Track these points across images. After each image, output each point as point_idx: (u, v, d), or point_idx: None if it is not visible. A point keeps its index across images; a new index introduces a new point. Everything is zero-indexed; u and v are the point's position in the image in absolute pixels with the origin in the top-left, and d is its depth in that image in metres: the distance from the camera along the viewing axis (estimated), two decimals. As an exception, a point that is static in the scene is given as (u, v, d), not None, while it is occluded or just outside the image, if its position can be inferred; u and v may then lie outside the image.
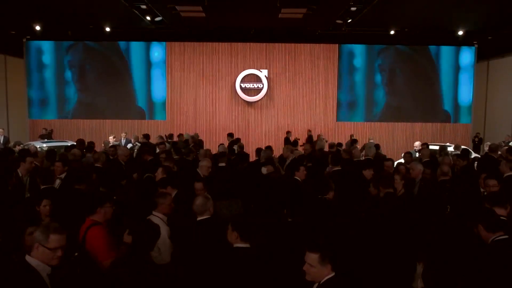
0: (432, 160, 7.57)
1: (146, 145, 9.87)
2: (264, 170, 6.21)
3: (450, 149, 10.82)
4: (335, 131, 15.34)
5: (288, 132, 13.43)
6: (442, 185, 5.61)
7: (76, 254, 3.21)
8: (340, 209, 4.66)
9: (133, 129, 14.69)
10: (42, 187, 5.01)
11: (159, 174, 5.40)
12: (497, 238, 3.14)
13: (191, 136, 11.06)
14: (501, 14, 11.58)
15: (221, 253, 3.20)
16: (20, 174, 5.97)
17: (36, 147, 9.93)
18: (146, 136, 10.90)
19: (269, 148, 8.43)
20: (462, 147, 10.50)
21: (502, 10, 11.18)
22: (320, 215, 4.37)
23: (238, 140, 10.91)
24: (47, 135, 13.79)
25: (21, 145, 10.07)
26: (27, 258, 2.69)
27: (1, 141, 11.81)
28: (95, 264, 3.41)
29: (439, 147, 9.91)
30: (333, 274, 2.66)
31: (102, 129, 15.31)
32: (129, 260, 3.11)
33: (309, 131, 13.80)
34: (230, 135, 11.70)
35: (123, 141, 12.01)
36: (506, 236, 3.16)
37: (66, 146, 9.60)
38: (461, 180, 6.04)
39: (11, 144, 10.40)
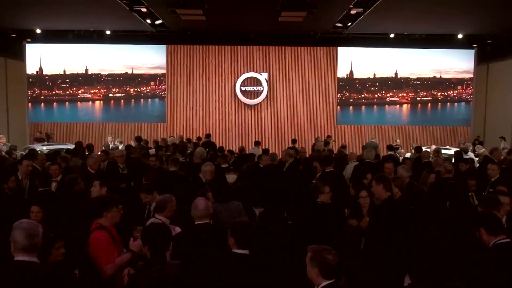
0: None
1: (145, 148, 9.86)
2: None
3: (451, 151, 10.81)
4: (335, 134, 15.31)
5: (328, 137, 13.03)
6: (445, 182, 5.59)
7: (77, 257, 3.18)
8: (329, 214, 4.53)
9: (133, 132, 14.67)
10: (39, 189, 5.02)
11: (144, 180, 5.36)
12: (498, 242, 3.12)
13: (162, 139, 11.02)
14: (501, 17, 11.59)
15: (217, 259, 3.15)
16: (20, 177, 5.95)
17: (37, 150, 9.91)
18: (138, 139, 10.84)
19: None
20: (456, 149, 10.47)
21: (502, 13, 11.18)
22: (309, 220, 4.30)
23: (259, 143, 11.06)
24: (42, 139, 13.70)
25: (17, 151, 10.04)
26: (20, 258, 2.63)
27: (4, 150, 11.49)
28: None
29: (434, 149, 9.97)
30: (331, 280, 2.63)
31: (102, 132, 15.30)
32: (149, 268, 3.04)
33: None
34: (207, 135, 11.88)
35: (111, 147, 11.30)
36: (508, 240, 3.13)
37: (67, 150, 9.58)
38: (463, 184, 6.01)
39: (7, 148, 10.31)
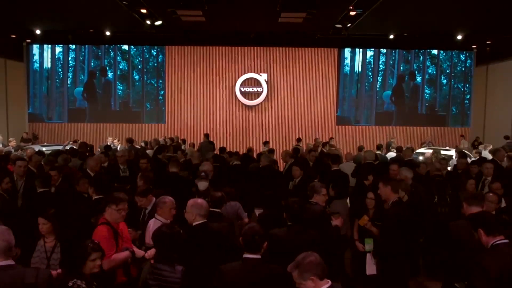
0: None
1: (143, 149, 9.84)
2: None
3: (451, 152, 10.81)
4: (335, 135, 15.32)
5: (331, 138, 13.19)
6: (434, 180, 5.92)
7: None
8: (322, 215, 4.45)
9: (132, 133, 14.66)
10: (39, 190, 5.00)
11: (139, 181, 5.32)
12: (497, 242, 3.11)
13: (152, 140, 11.07)
14: (501, 18, 11.60)
15: (232, 266, 3.10)
16: (15, 178, 5.91)
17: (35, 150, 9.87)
18: (130, 140, 10.82)
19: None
20: (455, 150, 10.48)
21: (501, 14, 11.19)
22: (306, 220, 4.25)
23: (268, 142, 11.40)
24: (29, 139, 13.63)
25: (20, 150, 10.03)
26: (1, 263, 2.66)
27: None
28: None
29: (432, 151, 10.03)
30: (329, 284, 2.57)
31: (101, 133, 15.30)
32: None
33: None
34: (206, 135, 12.00)
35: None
36: (506, 241, 3.12)
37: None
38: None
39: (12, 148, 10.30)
